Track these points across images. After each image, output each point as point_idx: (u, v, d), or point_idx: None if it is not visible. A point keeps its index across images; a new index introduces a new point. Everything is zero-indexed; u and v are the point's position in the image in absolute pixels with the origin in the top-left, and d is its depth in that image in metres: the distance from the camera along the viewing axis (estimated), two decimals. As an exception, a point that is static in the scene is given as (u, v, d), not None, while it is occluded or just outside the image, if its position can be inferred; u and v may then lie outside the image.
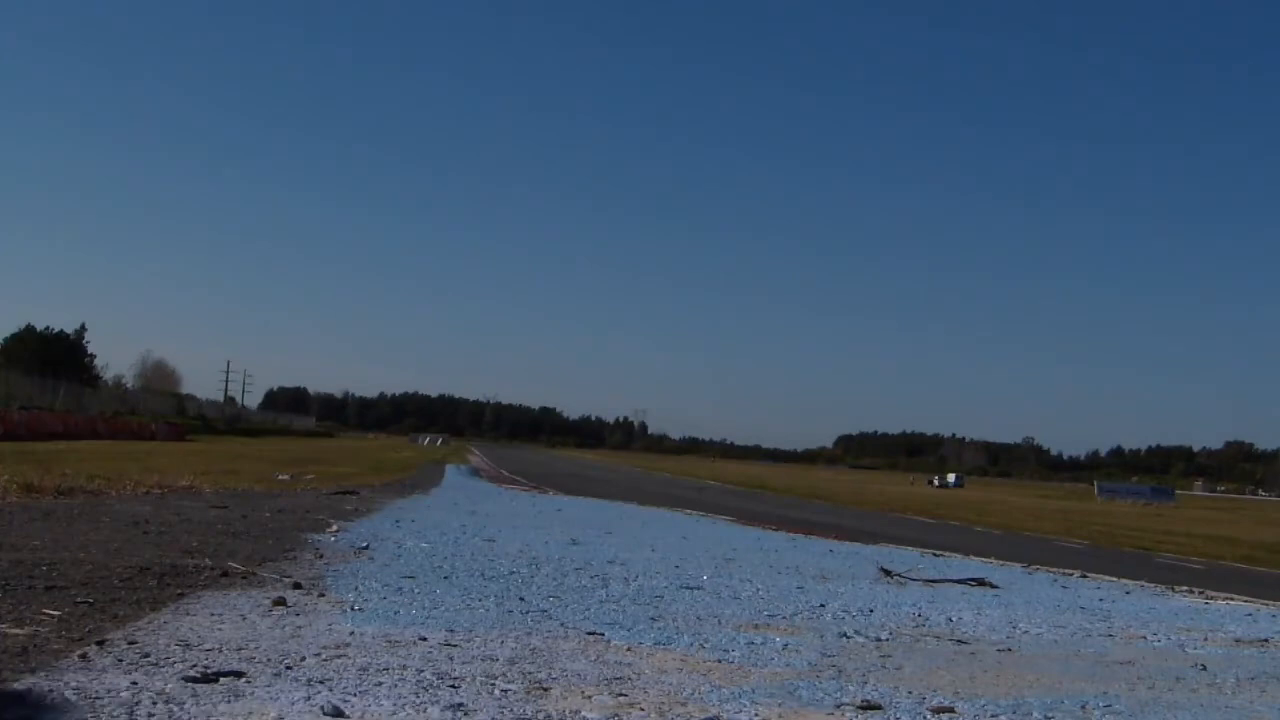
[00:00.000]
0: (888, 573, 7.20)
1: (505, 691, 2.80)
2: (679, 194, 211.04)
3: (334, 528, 7.65)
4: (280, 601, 3.99)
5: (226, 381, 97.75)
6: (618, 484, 33.11)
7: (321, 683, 2.73)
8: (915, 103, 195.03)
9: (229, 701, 2.50)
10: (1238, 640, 5.02)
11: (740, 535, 11.62)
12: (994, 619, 5.15)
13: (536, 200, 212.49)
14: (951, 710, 2.96)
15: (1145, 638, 4.91)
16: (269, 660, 2.96)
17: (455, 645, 3.40)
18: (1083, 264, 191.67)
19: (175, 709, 2.39)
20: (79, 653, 2.89)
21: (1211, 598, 7.60)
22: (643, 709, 2.72)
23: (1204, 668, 4.04)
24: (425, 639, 3.47)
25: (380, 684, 2.78)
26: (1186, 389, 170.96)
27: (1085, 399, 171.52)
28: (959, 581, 7.04)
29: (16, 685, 2.51)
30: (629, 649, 3.59)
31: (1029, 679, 3.55)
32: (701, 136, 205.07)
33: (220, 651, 3.03)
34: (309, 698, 2.57)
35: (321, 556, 5.73)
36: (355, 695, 2.64)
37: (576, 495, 19.78)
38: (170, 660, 2.87)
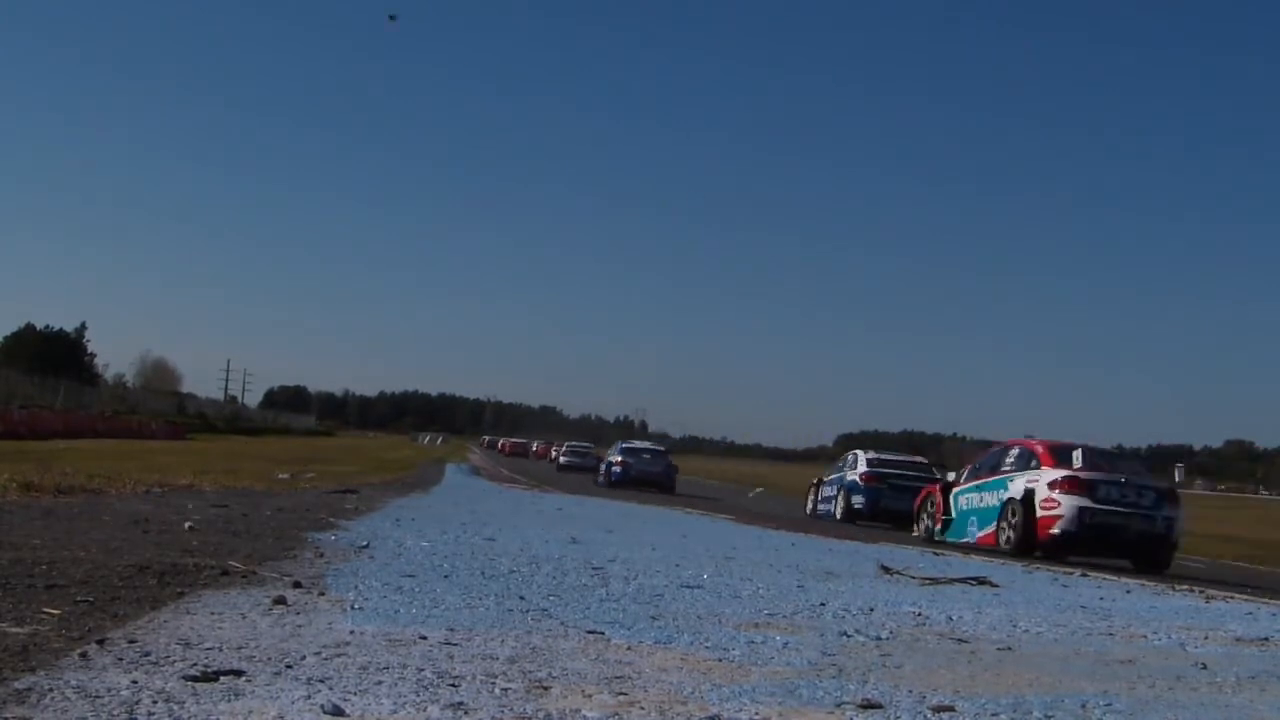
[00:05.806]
0: (888, 571, 7.20)
1: (505, 690, 2.80)
2: (680, 191, 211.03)
3: (334, 526, 7.65)
4: (280, 600, 3.99)
5: (226, 380, 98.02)
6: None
7: (322, 681, 2.73)
8: (916, 96, 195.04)
9: (229, 700, 2.49)
10: (1238, 639, 5.03)
11: (740, 534, 11.63)
12: (994, 617, 5.15)
13: (537, 198, 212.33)
14: (952, 709, 2.95)
15: (1145, 636, 4.91)
16: (269, 659, 2.96)
17: (455, 644, 3.40)
18: (1083, 263, 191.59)
19: (175, 707, 2.39)
20: (79, 651, 2.89)
21: (1211, 596, 7.61)
22: (643, 707, 2.72)
23: (1204, 666, 4.04)
24: (425, 638, 3.47)
25: (380, 682, 2.77)
26: (1186, 388, 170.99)
27: (1085, 398, 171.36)
28: (959, 580, 7.04)
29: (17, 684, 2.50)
30: (629, 648, 3.59)
31: (1029, 677, 3.55)
32: (701, 133, 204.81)
33: (220, 650, 3.03)
34: (309, 696, 2.57)
35: (322, 555, 5.72)
36: (355, 694, 2.63)
37: (576, 494, 19.79)
38: (170, 659, 2.87)
